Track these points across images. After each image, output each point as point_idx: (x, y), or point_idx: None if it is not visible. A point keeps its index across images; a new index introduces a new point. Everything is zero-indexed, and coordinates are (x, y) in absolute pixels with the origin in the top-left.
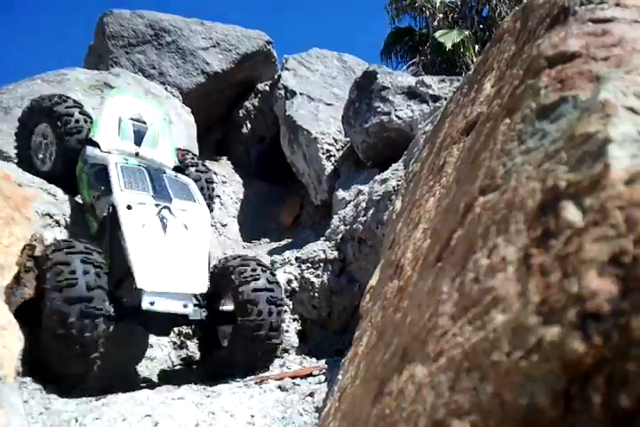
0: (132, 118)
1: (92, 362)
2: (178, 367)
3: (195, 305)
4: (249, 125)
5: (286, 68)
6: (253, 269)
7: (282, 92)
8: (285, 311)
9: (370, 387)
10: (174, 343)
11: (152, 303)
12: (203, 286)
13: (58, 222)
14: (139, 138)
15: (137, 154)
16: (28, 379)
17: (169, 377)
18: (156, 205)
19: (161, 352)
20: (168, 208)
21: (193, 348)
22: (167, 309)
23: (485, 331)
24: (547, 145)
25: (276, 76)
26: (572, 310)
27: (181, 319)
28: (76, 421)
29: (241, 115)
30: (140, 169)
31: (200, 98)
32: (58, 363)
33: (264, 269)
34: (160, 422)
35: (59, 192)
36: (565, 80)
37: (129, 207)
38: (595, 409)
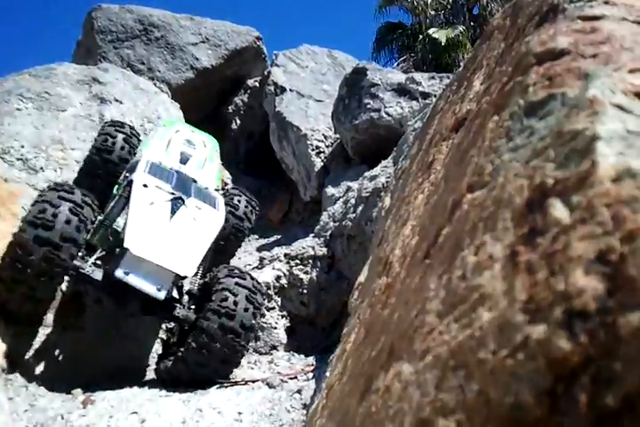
0: (181, 141)
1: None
2: None
3: (183, 305)
4: (238, 121)
5: (276, 65)
6: (242, 272)
7: (271, 88)
8: (263, 315)
9: (357, 384)
10: (161, 340)
11: (126, 273)
12: (189, 270)
13: None
14: (184, 159)
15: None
16: (13, 376)
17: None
18: (172, 193)
19: (148, 350)
20: (182, 200)
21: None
22: (139, 284)
23: (472, 329)
24: (534, 142)
25: (265, 73)
26: (559, 308)
27: (161, 310)
28: (62, 418)
29: (230, 111)
30: (171, 171)
31: (189, 93)
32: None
33: (252, 277)
34: (147, 420)
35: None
36: (554, 77)
37: (145, 186)
38: (580, 408)
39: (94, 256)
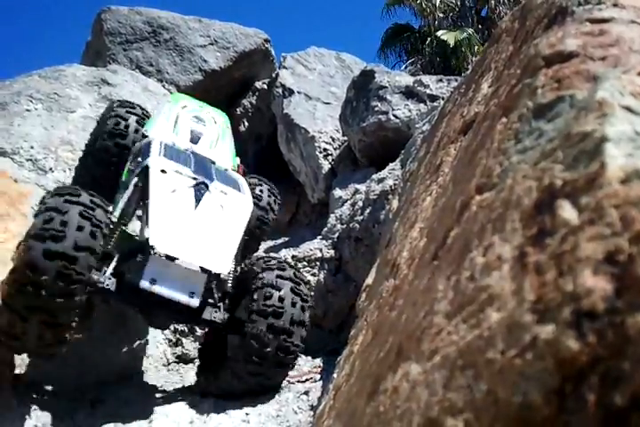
0: (190, 118)
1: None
2: (173, 365)
3: (212, 306)
4: (246, 124)
5: (284, 67)
6: (280, 262)
7: (279, 90)
8: (312, 308)
9: (364, 385)
10: (169, 341)
11: (152, 282)
12: (225, 266)
13: None
14: (195, 138)
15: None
16: (20, 375)
17: (164, 375)
18: (194, 179)
19: (156, 349)
20: (206, 185)
21: (188, 345)
22: (168, 293)
23: (480, 329)
24: (543, 144)
25: (273, 75)
26: (567, 308)
27: (189, 315)
28: (69, 417)
29: (238, 113)
30: (186, 152)
31: (197, 95)
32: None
33: (291, 265)
34: (155, 420)
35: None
36: (562, 79)
37: (163, 171)
38: (589, 408)
39: (111, 266)
